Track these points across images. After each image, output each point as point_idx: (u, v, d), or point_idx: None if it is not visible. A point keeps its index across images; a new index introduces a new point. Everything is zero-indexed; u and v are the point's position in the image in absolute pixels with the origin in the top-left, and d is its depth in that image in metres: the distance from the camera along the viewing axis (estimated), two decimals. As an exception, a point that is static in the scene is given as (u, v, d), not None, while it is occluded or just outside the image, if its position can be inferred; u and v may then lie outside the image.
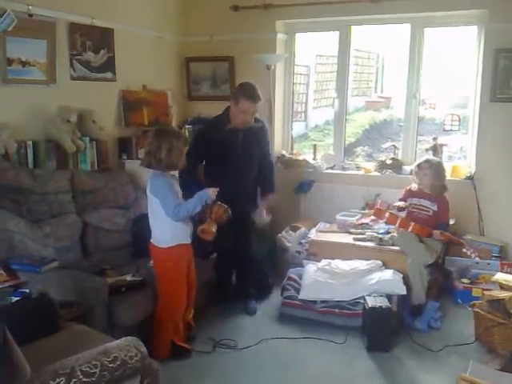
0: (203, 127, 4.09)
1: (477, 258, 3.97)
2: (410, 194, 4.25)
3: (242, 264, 4.20)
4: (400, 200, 4.28)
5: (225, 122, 3.86)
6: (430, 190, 4.16)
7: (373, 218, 4.40)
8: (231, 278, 4.30)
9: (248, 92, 3.74)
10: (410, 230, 4.00)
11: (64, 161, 3.93)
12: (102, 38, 4.40)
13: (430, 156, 4.53)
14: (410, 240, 3.98)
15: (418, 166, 4.23)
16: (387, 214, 4.15)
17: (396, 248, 4.09)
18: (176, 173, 3.46)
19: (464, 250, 3.96)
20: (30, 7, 3.67)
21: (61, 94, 4.04)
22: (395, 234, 4.15)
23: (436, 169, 4.15)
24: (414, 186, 4.26)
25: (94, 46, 4.33)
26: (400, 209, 4.17)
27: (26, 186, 3.45)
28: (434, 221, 4.06)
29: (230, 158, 3.84)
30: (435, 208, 4.11)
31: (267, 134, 4.16)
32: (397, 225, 4.08)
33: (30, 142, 3.73)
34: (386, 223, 4.25)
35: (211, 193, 3.18)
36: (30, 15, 3.69)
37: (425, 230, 3.98)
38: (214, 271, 4.12)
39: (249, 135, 3.88)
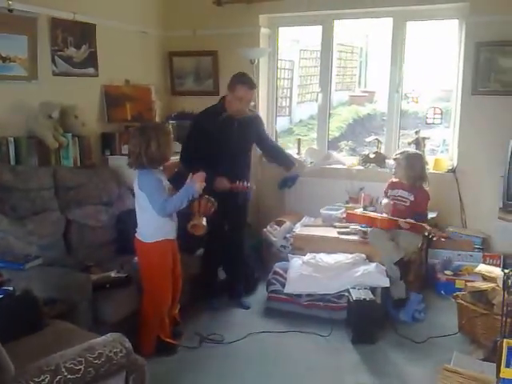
0: (198, 118, 4.08)
1: (442, 239, 4.02)
2: (391, 185, 4.31)
3: (232, 257, 4.20)
4: (384, 192, 4.37)
5: (220, 112, 3.89)
6: (406, 180, 4.20)
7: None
8: (218, 274, 4.28)
9: (244, 79, 3.84)
10: (378, 225, 4.05)
11: (46, 157, 3.89)
12: (83, 34, 4.36)
13: (407, 148, 4.58)
14: (381, 238, 4.01)
15: (395, 157, 4.30)
16: (358, 215, 4.21)
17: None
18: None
19: (426, 234, 4.00)
20: (10, 2, 3.62)
21: (42, 90, 4.00)
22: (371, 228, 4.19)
23: (409, 160, 4.18)
24: (396, 178, 4.31)
25: (75, 41, 4.29)
26: (386, 211, 4.22)
27: (8, 183, 3.42)
28: (411, 211, 4.09)
29: (225, 147, 3.87)
30: (412, 198, 4.14)
31: (262, 121, 4.27)
32: (364, 223, 4.16)
33: (12, 139, 3.69)
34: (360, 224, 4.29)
35: (198, 187, 3.18)
36: (10, 10, 3.65)
37: (391, 223, 4.01)
38: (203, 268, 4.10)
39: (244, 124, 3.93)
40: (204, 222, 3.29)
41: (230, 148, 3.87)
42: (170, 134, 3.22)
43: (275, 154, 4.31)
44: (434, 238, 4.00)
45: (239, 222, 4.16)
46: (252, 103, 4.15)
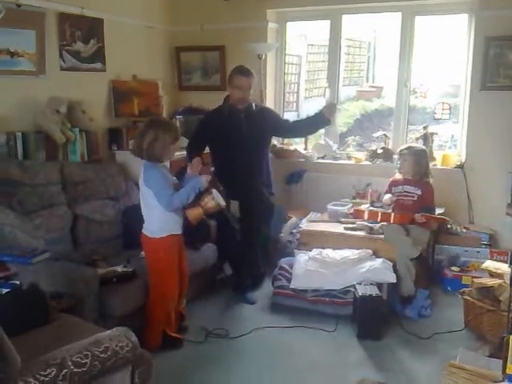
0: (204, 117, 4.24)
1: (464, 230, 4.00)
2: (393, 183, 4.28)
3: (243, 251, 4.20)
4: (385, 192, 4.33)
5: (225, 108, 3.98)
6: (411, 175, 4.18)
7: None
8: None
9: (239, 68, 3.99)
10: (391, 221, 4.02)
11: (54, 152, 3.92)
12: (91, 28, 4.38)
13: (411, 143, 4.56)
14: (397, 233, 3.98)
15: (400, 152, 4.28)
16: (366, 213, 4.19)
17: (387, 236, 4.10)
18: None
19: (449, 226, 3.99)
20: (18, -3, 3.64)
21: (50, 85, 4.02)
22: (385, 224, 4.16)
23: (416, 155, 4.16)
24: (398, 175, 4.30)
25: (83, 36, 4.32)
26: (389, 204, 4.21)
27: (16, 178, 3.45)
28: (420, 205, 4.07)
29: (236, 138, 3.93)
30: (419, 192, 4.12)
31: (272, 110, 4.39)
32: (378, 220, 4.11)
33: (20, 134, 3.72)
34: (369, 221, 4.26)
35: (204, 180, 3.18)
36: (19, 5, 3.67)
37: (406, 217, 3.99)
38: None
39: (252, 114, 3.99)
40: (199, 215, 3.27)
41: (243, 139, 3.92)
42: (174, 137, 3.12)
43: (305, 126, 4.27)
44: (459, 229, 3.98)
45: (257, 208, 4.15)
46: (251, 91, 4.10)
